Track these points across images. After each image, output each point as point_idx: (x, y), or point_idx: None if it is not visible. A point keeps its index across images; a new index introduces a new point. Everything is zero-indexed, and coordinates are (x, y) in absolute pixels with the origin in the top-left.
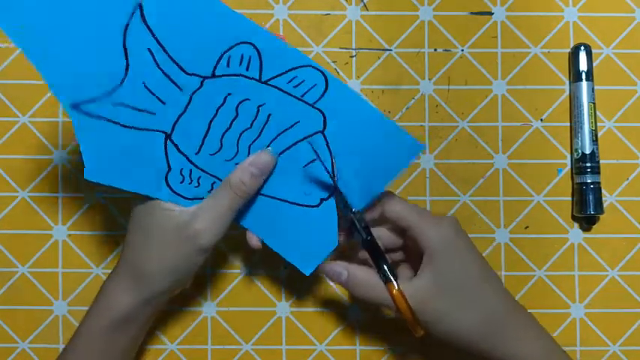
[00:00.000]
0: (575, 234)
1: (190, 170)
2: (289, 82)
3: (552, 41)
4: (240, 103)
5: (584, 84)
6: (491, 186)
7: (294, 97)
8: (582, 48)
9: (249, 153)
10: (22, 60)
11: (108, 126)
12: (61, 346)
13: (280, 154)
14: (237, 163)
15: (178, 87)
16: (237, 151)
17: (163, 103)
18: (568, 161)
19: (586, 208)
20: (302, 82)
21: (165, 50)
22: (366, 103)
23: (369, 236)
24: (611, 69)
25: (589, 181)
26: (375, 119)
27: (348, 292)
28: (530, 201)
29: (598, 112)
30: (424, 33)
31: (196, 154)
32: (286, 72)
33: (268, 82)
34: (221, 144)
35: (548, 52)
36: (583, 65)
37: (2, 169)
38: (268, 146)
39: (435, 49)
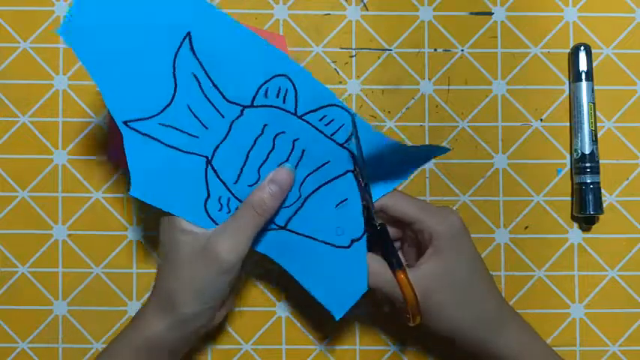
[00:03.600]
0: (575, 234)
1: (228, 199)
2: (321, 119)
3: (552, 41)
4: (277, 135)
5: (584, 84)
6: (491, 186)
7: (325, 135)
8: (582, 48)
9: None
10: (22, 60)
11: (154, 145)
12: (61, 346)
13: (314, 192)
14: None
15: (220, 113)
16: None
17: (206, 127)
18: (568, 161)
19: (586, 208)
20: (332, 120)
21: (209, 77)
22: (392, 140)
23: (381, 224)
24: (611, 69)
25: (589, 181)
26: (399, 149)
27: None
28: (530, 201)
29: (598, 112)
30: (424, 33)
31: (235, 183)
32: (318, 109)
33: (303, 117)
34: (259, 175)
35: (548, 52)
36: (583, 65)
37: (2, 169)
38: (303, 182)
39: (435, 49)
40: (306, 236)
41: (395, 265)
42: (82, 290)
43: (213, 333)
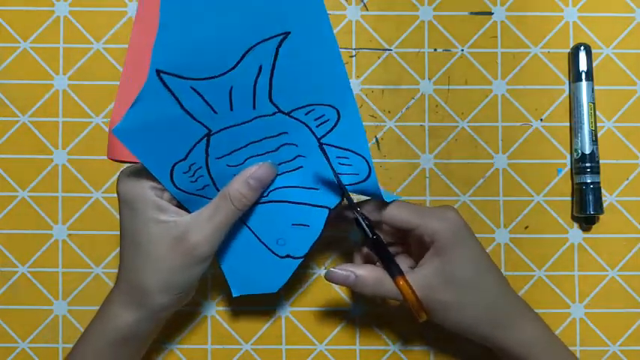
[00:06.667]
0: (575, 234)
1: (199, 167)
2: (339, 157)
3: (552, 41)
4: (286, 144)
5: (584, 84)
6: (491, 186)
7: (333, 171)
8: (582, 48)
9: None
10: (22, 60)
11: (171, 102)
12: (61, 346)
13: (282, 202)
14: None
15: (254, 105)
16: None
17: (232, 110)
18: (568, 161)
19: (586, 208)
20: (350, 165)
21: (272, 75)
22: (394, 197)
23: (376, 235)
24: (611, 69)
25: (589, 181)
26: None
27: (353, 290)
28: (530, 201)
29: (598, 112)
30: (424, 33)
31: (217, 158)
32: (344, 149)
33: (323, 145)
34: (243, 163)
35: (548, 52)
36: (583, 65)
37: (2, 169)
38: (277, 189)
39: (435, 49)
40: (247, 227)
41: (394, 272)
42: (82, 290)
43: (213, 334)
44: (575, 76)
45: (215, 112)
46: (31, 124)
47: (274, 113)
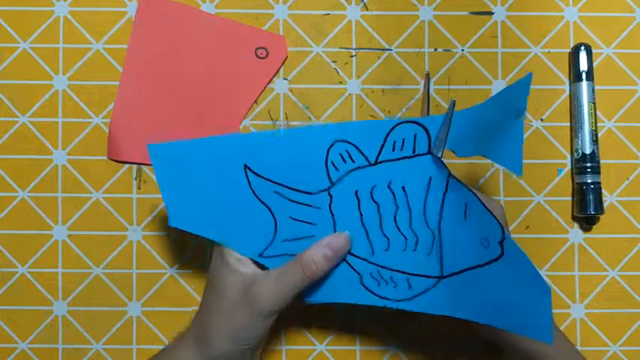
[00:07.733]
0: (575, 234)
1: (378, 272)
2: (393, 150)
3: (552, 41)
4: (372, 191)
5: (585, 84)
6: (491, 186)
7: (408, 157)
8: (582, 48)
9: (414, 233)
10: (22, 60)
11: (286, 256)
12: (61, 347)
13: (440, 221)
14: (413, 250)
15: (316, 207)
16: (404, 236)
17: (314, 224)
18: (568, 161)
19: (586, 208)
20: (403, 140)
21: (286, 186)
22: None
23: None
24: (611, 69)
25: (589, 181)
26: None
27: None
28: (531, 201)
29: (598, 112)
30: (424, 33)
31: (372, 254)
32: (384, 143)
33: (379, 161)
34: (385, 236)
35: (549, 52)
36: (583, 65)
37: (2, 169)
38: (425, 217)
39: (435, 49)
40: (464, 270)
41: None
42: (82, 290)
43: None
44: (575, 76)
45: (312, 236)
46: (31, 124)
47: (329, 195)
